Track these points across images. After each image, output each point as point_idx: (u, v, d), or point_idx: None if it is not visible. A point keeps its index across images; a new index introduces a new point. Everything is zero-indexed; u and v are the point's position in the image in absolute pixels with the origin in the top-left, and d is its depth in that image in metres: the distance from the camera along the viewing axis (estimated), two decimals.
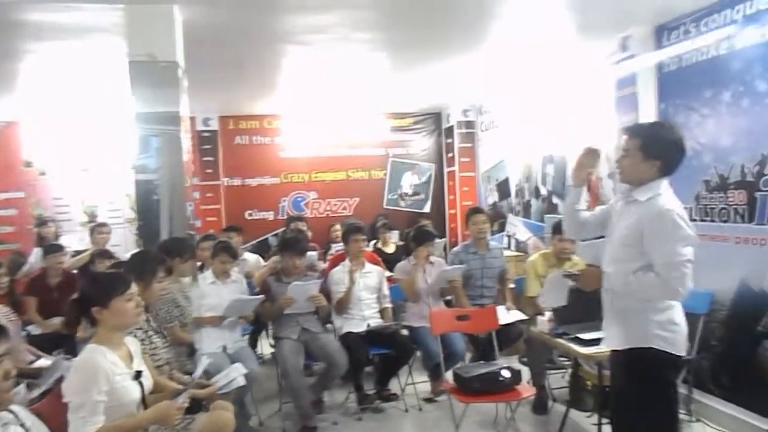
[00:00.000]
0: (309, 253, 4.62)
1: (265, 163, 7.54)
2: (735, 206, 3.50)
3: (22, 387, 2.65)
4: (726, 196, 3.56)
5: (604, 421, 3.08)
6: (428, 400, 4.29)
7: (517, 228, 6.52)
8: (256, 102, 6.80)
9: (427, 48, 4.67)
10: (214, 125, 7.34)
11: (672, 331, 2.25)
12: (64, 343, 4.07)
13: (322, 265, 5.17)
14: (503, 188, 6.83)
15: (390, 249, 6.00)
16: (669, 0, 3.67)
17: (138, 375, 2.23)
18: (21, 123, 6.78)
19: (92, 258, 4.90)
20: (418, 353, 4.33)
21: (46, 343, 4.00)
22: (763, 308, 3.35)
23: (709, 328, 3.68)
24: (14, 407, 1.81)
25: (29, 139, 6.85)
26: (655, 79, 4.10)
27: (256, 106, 7.07)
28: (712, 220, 3.65)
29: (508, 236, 6.68)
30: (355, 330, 4.15)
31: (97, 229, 5.53)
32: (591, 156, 2.48)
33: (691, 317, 3.57)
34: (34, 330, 4.41)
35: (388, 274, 4.72)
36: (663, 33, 4.03)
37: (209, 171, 7.32)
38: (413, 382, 4.31)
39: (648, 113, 4.10)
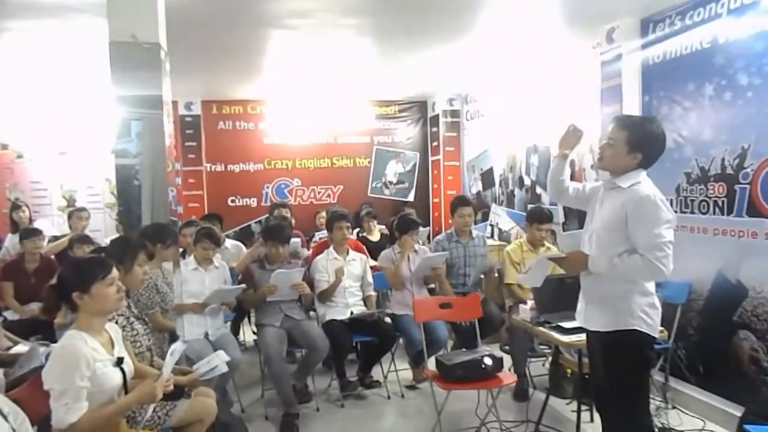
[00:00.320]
0: (292, 240, 4.60)
1: (248, 149, 7.47)
2: (714, 198, 3.56)
3: None
4: (706, 189, 3.62)
5: (584, 408, 3.14)
6: (410, 387, 4.32)
7: (501, 218, 6.56)
8: (239, 87, 6.71)
9: (413, 35, 4.65)
10: (197, 110, 7.25)
11: (651, 315, 2.37)
12: (42, 329, 4.01)
13: (306, 253, 5.16)
14: (487, 178, 6.86)
15: (375, 237, 6.00)
16: None
17: (119, 361, 2.20)
18: None
19: (71, 243, 4.82)
20: (401, 341, 4.36)
21: (23, 329, 3.94)
22: (739, 299, 3.42)
23: (687, 318, 3.76)
24: None
25: (5, 120, 6.68)
26: (639, 71, 4.13)
27: (239, 91, 6.99)
28: (692, 212, 3.71)
29: (492, 226, 6.72)
30: (338, 317, 4.15)
31: (75, 213, 5.43)
32: (573, 135, 2.61)
33: (668, 307, 3.68)
34: (11, 316, 4.34)
35: (372, 262, 4.73)
36: (649, 25, 4.06)
37: (192, 156, 7.24)
38: (396, 369, 4.33)
39: (632, 105, 4.14)
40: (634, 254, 2.26)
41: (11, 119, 6.68)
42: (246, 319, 5.30)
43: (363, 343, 4.38)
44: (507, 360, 3.76)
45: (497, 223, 6.63)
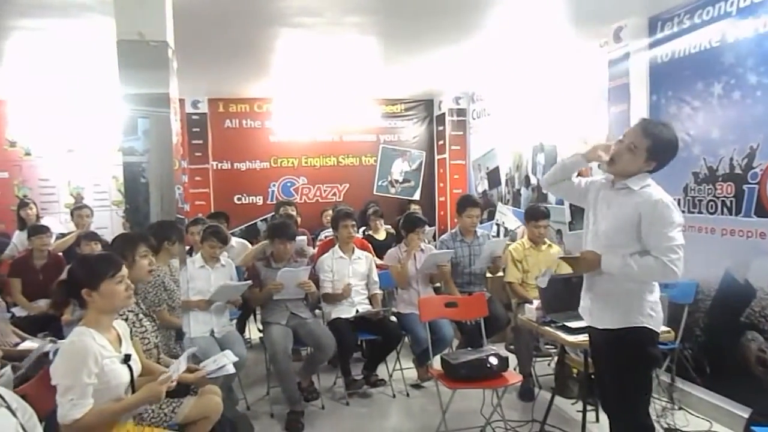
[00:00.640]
0: (298, 238, 4.60)
1: (254, 148, 7.48)
2: (723, 198, 3.54)
3: (7, 369, 2.63)
4: (714, 188, 3.59)
5: (589, 408, 3.13)
6: (415, 386, 4.33)
7: (507, 217, 6.54)
8: (246, 85, 6.72)
9: (420, 34, 4.64)
10: (204, 108, 7.26)
11: (658, 312, 2.42)
12: (50, 326, 4.04)
13: (312, 251, 5.16)
14: (493, 177, 6.84)
15: (381, 236, 6.00)
16: None
17: (127, 358, 2.21)
18: (6, 101, 6.66)
19: (78, 240, 4.85)
20: (406, 339, 4.35)
21: (31, 326, 3.97)
22: (747, 299, 3.40)
23: (694, 318, 3.74)
24: (0, 389, 1.79)
25: (14, 118, 6.72)
26: (647, 70, 4.11)
27: (246, 90, 6.99)
28: (700, 212, 3.68)
29: (498, 225, 6.71)
30: (343, 316, 4.16)
31: (76, 212, 5.45)
32: (607, 150, 2.45)
33: (675, 307, 3.67)
34: (19, 312, 4.36)
35: (378, 261, 4.73)
36: (656, 24, 4.03)
37: (198, 154, 7.25)
38: (401, 367, 4.33)
39: (639, 104, 4.12)
40: (648, 256, 2.28)
41: (20, 117, 6.72)
42: (252, 317, 5.32)
43: (368, 341, 4.39)
44: (512, 359, 3.75)
45: (503, 222, 6.61)
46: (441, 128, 7.69)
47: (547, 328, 3.14)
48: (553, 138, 5.51)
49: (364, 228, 6.12)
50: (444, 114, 7.54)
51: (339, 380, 4.27)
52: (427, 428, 3.62)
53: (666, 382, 3.80)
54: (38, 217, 5.72)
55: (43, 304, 4.38)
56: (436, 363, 3.64)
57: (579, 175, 2.68)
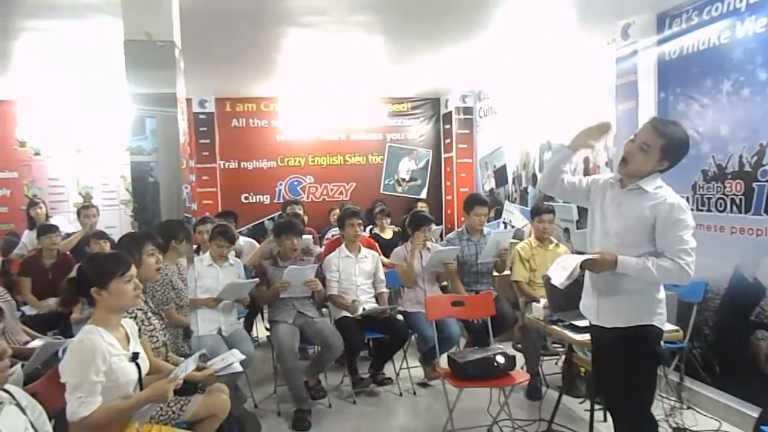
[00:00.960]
0: (305, 236, 4.61)
1: (261, 147, 7.50)
2: (732, 196, 3.51)
3: (17, 367, 2.65)
4: (723, 186, 3.56)
5: (597, 407, 3.12)
6: (422, 385, 4.33)
7: (514, 215, 6.52)
8: (253, 84, 6.74)
9: (426, 33, 4.63)
10: (211, 107, 7.29)
11: (663, 309, 2.43)
12: (59, 324, 4.07)
13: (318, 250, 5.17)
14: (500, 175, 6.82)
15: (387, 234, 6.00)
16: None
17: (135, 356, 2.23)
18: (15, 102, 6.72)
19: (87, 239, 4.88)
20: (413, 338, 4.35)
21: (40, 324, 4.00)
22: (756, 298, 3.37)
23: (702, 317, 3.71)
24: (10, 387, 1.81)
25: (24, 118, 6.78)
26: (655, 67, 4.08)
27: (253, 89, 7.02)
28: (709, 210, 3.65)
29: (505, 223, 6.68)
30: (350, 314, 4.16)
31: (83, 211, 5.46)
32: (602, 130, 2.48)
33: (684, 306, 3.64)
34: (29, 311, 4.40)
35: (385, 260, 4.73)
36: (665, 20, 4.00)
37: (205, 153, 7.29)
38: (408, 366, 4.33)
39: (647, 101, 4.09)
40: (663, 257, 2.29)
41: (29, 117, 6.78)
42: (259, 316, 5.33)
43: (375, 340, 4.39)
44: (519, 358, 3.74)
45: (510, 221, 6.59)
46: (448, 127, 7.67)
47: (555, 326, 3.13)
48: (561, 136, 5.48)
49: (370, 227, 6.12)
50: (451, 112, 7.52)
51: (346, 379, 4.28)
52: (434, 427, 3.62)
53: (674, 381, 3.78)
54: (47, 217, 5.77)
55: (52, 302, 4.41)
56: (443, 361, 3.64)
57: (586, 174, 2.67)
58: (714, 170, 3.63)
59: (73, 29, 4.16)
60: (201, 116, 7.24)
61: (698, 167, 3.71)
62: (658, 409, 2.52)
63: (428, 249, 4.46)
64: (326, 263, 4.34)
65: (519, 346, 4.23)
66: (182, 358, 2.80)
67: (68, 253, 4.89)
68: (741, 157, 3.45)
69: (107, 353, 2.10)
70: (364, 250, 4.47)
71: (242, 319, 4.76)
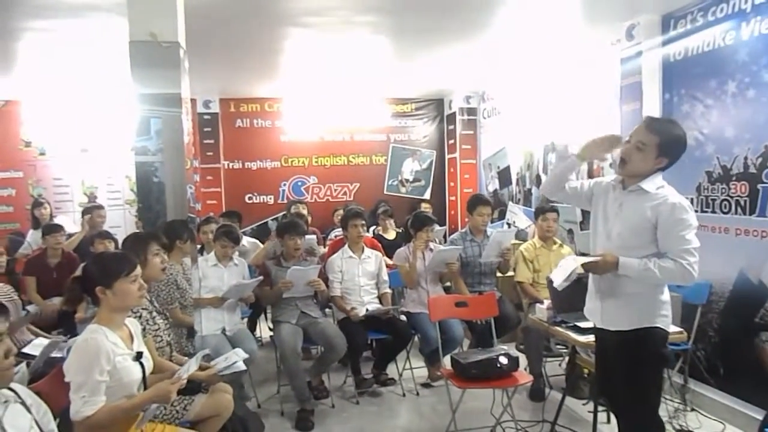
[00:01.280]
0: (308, 236, 4.62)
1: (265, 147, 7.51)
2: (737, 198, 3.50)
3: (22, 366, 2.66)
4: (728, 188, 3.55)
5: (600, 408, 3.11)
6: (425, 385, 4.33)
7: (518, 216, 6.51)
8: (257, 85, 6.75)
9: (430, 33, 4.63)
10: (215, 108, 7.31)
11: (669, 311, 2.42)
12: (64, 324, 4.09)
13: (322, 250, 5.18)
14: (504, 176, 6.81)
15: (390, 235, 6.00)
16: None
17: (139, 356, 2.24)
18: (20, 102, 6.75)
19: (92, 239, 4.90)
20: (416, 339, 4.35)
21: (45, 323, 4.02)
22: (761, 300, 3.36)
23: (707, 319, 3.70)
24: (15, 385, 1.82)
25: (29, 118, 6.81)
26: (660, 69, 4.07)
27: (257, 89, 7.03)
28: (713, 211, 3.65)
29: (509, 224, 6.67)
30: None
31: (96, 211, 5.48)
32: (613, 143, 2.46)
33: (688, 307, 3.63)
34: (34, 310, 4.41)
35: (388, 261, 4.73)
36: (670, 22, 4.00)
37: (210, 154, 7.30)
38: (411, 367, 4.33)
39: (652, 102, 4.08)
40: (666, 258, 2.27)
41: (34, 117, 6.81)
42: (263, 316, 5.35)
43: (378, 340, 4.39)
44: (523, 359, 3.73)
45: (514, 222, 6.59)
46: (451, 127, 7.67)
47: (558, 328, 3.13)
48: (565, 137, 5.48)
49: (374, 227, 6.13)
50: (454, 113, 7.52)
51: (349, 379, 4.28)
52: (437, 428, 3.62)
53: (679, 383, 3.77)
54: (52, 216, 5.79)
55: (57, 302, 4.42)
56: (446, 362, 3.64)
57: (590, 176, 2.66)
58: (719, 172, 3.62)
59: (78, 29, 4.17)
60: (205, 117, 7.25)
61: (703, 168, 3.70)
62: (662, 411, 2.49)
63: (431, 250, 4.46)
64: (329, 264, 4.34)
65: (522, 347, 4.23)
66: (186, 358, 2.80)
67: (73, 252, 4.91)
68: (746, 158, 3.44)
69: (111, 353, 2.10)
70: (368, 251, 4.47)
71: (246, 320, 4.78)
